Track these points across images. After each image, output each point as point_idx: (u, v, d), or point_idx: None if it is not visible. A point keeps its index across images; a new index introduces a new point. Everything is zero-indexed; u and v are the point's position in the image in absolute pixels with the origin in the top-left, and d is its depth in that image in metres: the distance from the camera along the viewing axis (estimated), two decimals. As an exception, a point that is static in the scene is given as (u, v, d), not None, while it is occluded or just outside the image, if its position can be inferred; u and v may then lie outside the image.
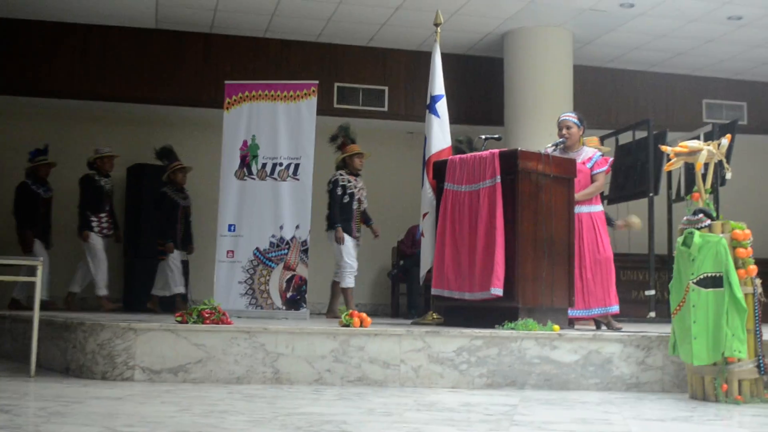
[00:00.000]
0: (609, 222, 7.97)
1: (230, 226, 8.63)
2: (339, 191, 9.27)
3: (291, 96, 8.81)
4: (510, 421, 4.09)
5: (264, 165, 8.70)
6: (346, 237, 9.21)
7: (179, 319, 5.82)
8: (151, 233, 10.73)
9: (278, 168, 8.65)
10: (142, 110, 11.81)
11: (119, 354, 5.56)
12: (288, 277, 8.45)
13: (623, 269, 8.34)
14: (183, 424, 3.74)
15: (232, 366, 5.54)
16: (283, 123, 8.74)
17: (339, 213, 9.25)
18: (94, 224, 10.12)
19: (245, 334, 5.60)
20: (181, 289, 10.27)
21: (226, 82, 9.09)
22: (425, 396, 5.06)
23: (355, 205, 9.41)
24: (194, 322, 5.75)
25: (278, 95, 8.85)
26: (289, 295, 8.45)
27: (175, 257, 10.33)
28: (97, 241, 10.15)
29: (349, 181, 9.39)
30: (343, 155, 9.55)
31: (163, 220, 10.39)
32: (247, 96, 8.89)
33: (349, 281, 9.33)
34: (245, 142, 8.75)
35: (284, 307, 8.39)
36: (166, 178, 10.50)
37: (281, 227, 8.52)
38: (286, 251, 8.46)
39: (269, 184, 8.64)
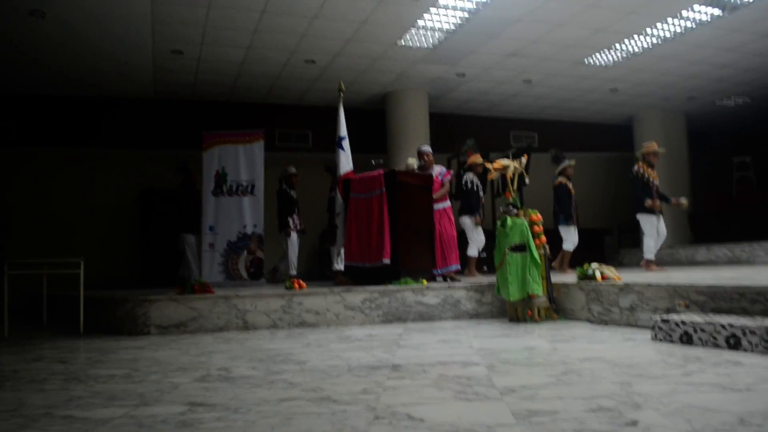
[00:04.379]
0: (666, 199, 7.86)
1: (210, 227, 8.48)
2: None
3: (247, 140, 8.71)
4: (397, 344, 4.13)
5: (231, 186, 8.57)
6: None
7: (178, 291, 5.70)
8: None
9: (240, 188, 8.53)
10: (151, 153, 11.39)
11: (139, 317, 5.41)
12: (250, 259, 8.36)
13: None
14: (184, 362, 3.68)
15: (216, 320, 5.45)
16: (243, 158, 8.63)
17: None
18: (290, 223, 8.84)
19: (223, 299, 5.51)
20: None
21: (204, 132, 8.91)
22: (343, 332, 5.08)
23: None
24: (188, 293, 5.64)
25: (239, 140, 8.74)
26: (251, 270, 8.35)
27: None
28: (293, 235, 8.92)
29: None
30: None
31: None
32: (217, 141, 8.73)
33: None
34: (217, 172, 8.60)
35: (249, 279, 8.29)
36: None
37: (244, 226, 8.41)
38: (248, 242, 8.36)
39: (235, 198, 8.52)
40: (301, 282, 6.04)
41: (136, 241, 10.88)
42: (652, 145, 7.86)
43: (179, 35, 8.51)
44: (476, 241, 8.14)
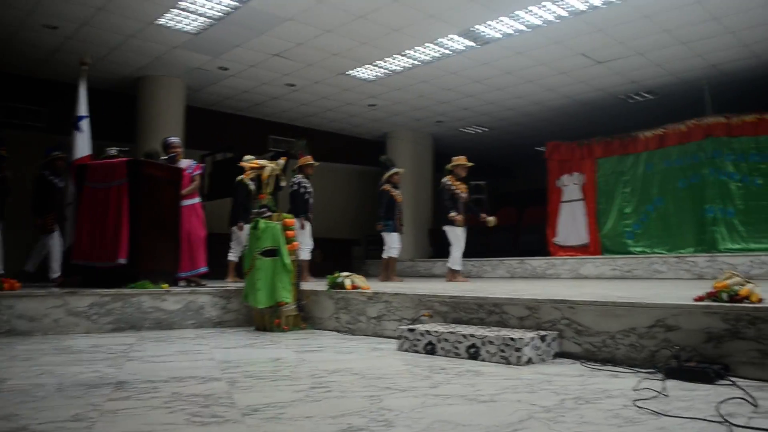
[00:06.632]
0: (476, 213, 8.12)
1: None
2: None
3: (-43, 108, 7.31)
4: (126, 357, 3.63)
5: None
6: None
7: None
8: None
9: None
10: None
11: None
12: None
13: (215, 243, 8.05)
14: None
15: None
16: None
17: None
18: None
19: None
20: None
21: None
22: (63, 342, 4.38)
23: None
24: None
25: (-55, 107, 7.30)
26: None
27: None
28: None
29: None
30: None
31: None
32: None
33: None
34: None
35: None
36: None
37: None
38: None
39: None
40: (14, 282, 5.11)
41: None
42: (461, 159, 8.14)
43: None
44: (305, 244, 7.87)
